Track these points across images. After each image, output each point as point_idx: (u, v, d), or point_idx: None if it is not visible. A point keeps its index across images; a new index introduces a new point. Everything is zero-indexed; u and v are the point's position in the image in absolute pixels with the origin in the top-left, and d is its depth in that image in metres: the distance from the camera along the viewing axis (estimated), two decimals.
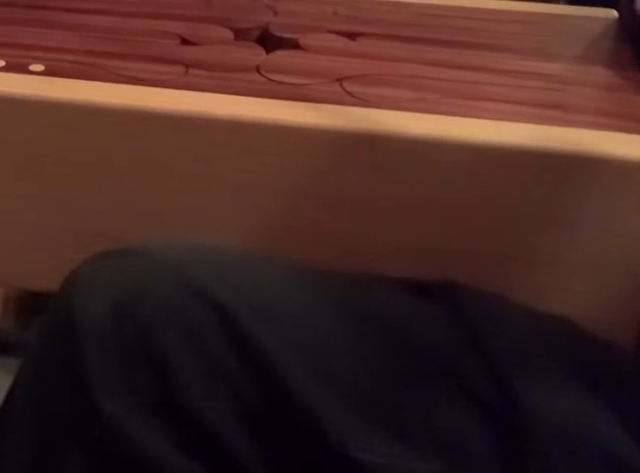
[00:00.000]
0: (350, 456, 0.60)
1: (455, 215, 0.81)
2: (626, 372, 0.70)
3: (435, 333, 0.67)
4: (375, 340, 0.65)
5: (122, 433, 0.60)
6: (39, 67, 0.86)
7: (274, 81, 0.87)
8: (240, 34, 0.96)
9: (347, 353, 0.64)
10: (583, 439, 0.63)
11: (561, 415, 0.64)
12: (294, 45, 0.95)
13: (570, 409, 0.64)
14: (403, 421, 0.63)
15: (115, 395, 0.60)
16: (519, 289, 0.74)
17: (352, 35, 0.98)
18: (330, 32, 0.99)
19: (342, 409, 0.61)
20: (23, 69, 0.86)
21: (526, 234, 0.81)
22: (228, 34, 0.96)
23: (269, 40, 0.96)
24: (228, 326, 0.62)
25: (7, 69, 0.86)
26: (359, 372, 0.64)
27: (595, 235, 0.80)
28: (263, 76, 0.88)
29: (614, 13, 1.06)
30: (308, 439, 0.61)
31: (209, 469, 0.61)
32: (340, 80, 0.88)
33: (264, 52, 0.93)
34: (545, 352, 0.68)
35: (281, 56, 0.93)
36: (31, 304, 1.38)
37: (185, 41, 0.94)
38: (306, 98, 0.84)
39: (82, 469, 0.60)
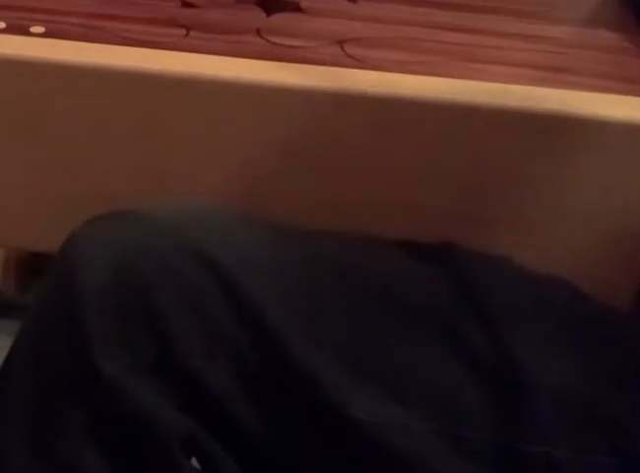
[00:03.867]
0: (346, 416, 0.61)
1: (454, 177, 0.81)
2: (625, 335, 0.70)
3: (431, 293, 0.67)
4: (372, 300, 0.66)
5: (122, 392, 0.60)
6: (40, 29, 0.86)
7: (274, 43, 0.87)
8: None
9: (343, 313, 0.65)
10: (580, 402, 0.64)
11: (558, 376, 0.64)
12: (295, 8, 0.95)
13: (568, 370, 0.65)
14: (398, 380, 0.63)
15: (115, 356, 0.61)
16: (517, 251, 0.74)
17: None
18: None
19: (339, 369, 0.62)
20: (23, 31, 0.86)
21: (525, 196, 0.82)
22: None
23: (269, 3, 0.95)
24: (227, 288, 0.62)
25: (7, 31, 0.86)
26: (356, 333, 0.64)
27: (595, 196, 0.81)
28: (263, 38, 0.87)
29: None
30: (306, 398, 0.62)
31: (208, 428, 0.62)
32: (340, 42, 0.87)
33: (264, 15, 0.92)
34: (543, 313, 0.68)
35: (281, 19, 0.92)
36: (31, 265, 1.38)
37: (186, 4, 0.94)
38: (307, 60, 0.84)
39: (82, 429, 0.61)
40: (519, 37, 0.91)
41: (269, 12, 0.93)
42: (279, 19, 0.92)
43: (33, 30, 0.86)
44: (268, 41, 0.87)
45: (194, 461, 0.63)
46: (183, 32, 0.88)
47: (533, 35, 0.92)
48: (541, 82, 0.82)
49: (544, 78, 0.83)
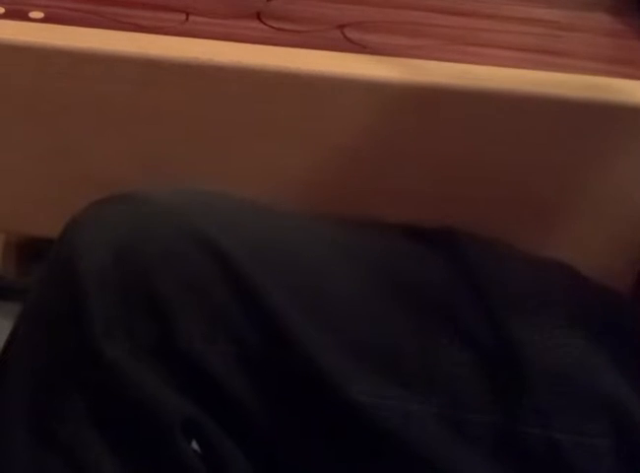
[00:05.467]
0: (347, 399, 0.61)
1: (457, 161, 0.81)
2: (625, 317, 0.70)
3: (432, 277, 0.68)
4: (372, 283, 0.66)
5: (123, 376, 0.61)
6: (39, 14, 0.86)
7: (274, 28, 0.86)
8: None
9: (344, 296, 0.65)
10: (581, 383, 0.64)
11: (558, 358, 0.64)
12: None
13: (568, 353, 0.65)
14: (399, 362, 0.63)
15: (116, 339, 0.61)
16: (519, 235, 0.74)
17: None
18: None
19: (339, 352, 0.62)
20: (22, 16, 0.85)
21: (526, 179, 0.82)
22: None
23: None
24: (228, 272, 0.63)
25: (6, 16, 0.85)
26: (356, 315, 0.64)
27: (596, 180, 0.81)
28: (263, 23, 0.87)
29: None
30: (307, 381, 0.62)
31: (208, 411, 0.62)
32: (340, 27, 0.87)
33: None
34: (543, 296, 0.68)
35: (281, 3, 0.92)
36: (32, 249, 1.38)
37: None
38: (307, 45, 0.83)
39: (83, 412, 0.61)
40: (515, 21, 0.91)
41: None
42: (279, 3, 0.92)
43: (32, 15, 0.86)
44: (268, 26, 0.87)
45: (194, 444, 0.64)
46: (183, 16, 0.87)
47: (529, 19, 0.92)
48: (537, 65, 0.82)
49: (542, 61, 0.83)
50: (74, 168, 0.86)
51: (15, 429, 0.62)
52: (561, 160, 0.81)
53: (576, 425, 0.63)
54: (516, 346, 0.64)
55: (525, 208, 0.84)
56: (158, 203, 0.66)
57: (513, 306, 0.66)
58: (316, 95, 0.80)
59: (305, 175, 0.83)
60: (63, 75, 0.82)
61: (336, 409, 0.62)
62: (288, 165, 0.83)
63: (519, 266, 0.71)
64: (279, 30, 0.86)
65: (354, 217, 0.72)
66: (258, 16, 0.88)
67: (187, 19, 0.87)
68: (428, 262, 0.69)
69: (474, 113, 0.80)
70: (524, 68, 0.82)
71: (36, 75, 0.82)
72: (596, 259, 0.82)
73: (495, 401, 0.63)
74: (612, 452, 0.63)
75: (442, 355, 0.64)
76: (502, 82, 0.79)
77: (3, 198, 0.89)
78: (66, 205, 0.65)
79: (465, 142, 0.81)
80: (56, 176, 0.86)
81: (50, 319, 0.63)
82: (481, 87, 0.79)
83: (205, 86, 0.81)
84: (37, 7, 0.87)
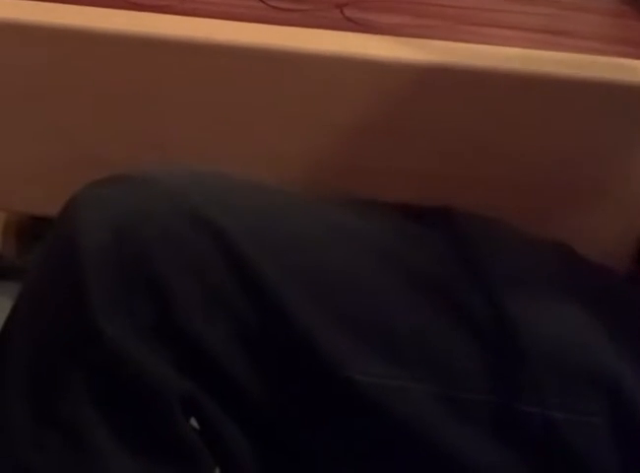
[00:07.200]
0: (344, 377, 0.62)
1: (457, 140, 0.81)
2: (622, 297, 0.71)
3: (429, 255, 0.68)
4: (370, 262, 0.66)
5: (122, 354, 0.61)
6: None
7: (273, 7, 0.86)
8: None
9: (342, 276, 0.65)
10: (577, 361, 0.65)
11: (556, 337, 0.65)
12: None
13: (565, 332, 0.65)
14: (397, 342, 0.64)
15: (116, 318, 0.61)
16: (517, 215, 0.74)
17: None
18: None
19: (337, 331, 0.62)
20: None
21: (527, 159, 0.82)
22: None
23: None
24: (227, 251, 0.63)
25: None
26: (354, 294, 0.65)
27: (595, 160, 0.81)
28: (263, 2, 0.87)
29: None
30: (305, 360, 0.62)
31: (207, 390, 0.63)
32: (340, 6, 0.87)
33: None
34: (541, 276, 0.69)
35: None
36: (32, 229, 1.38)
37: None
38: (306, 24, 0.83)
39: (83, 391, 0.62)
40: (521, 1, 0.91)
41: None
42: None
43: None
44: (267, 5, 0.86)
45: (193, 421, 0.64)
46: None
47: None
48: (539, 45, 0.82)
49: (542, 41, 0.83)
50: (73, 147, 0.86)
51: (15, 406, 0.62)
52: (564, 140, 0.81)
53: (572, 403, 0.64)
54: (513, 324, 0.64)
55: (525, 188, 0.83)
56: (157, 183, 0.66)
57: (510, 285, 0.66)
58: (316, 74, 0.80)
59: (305, 154, 0.83)
60: (61, 54, 0.82)
61: (334, 387, 0.62)
62: (287, 144, 0.83)
63: (516, 245, 0.71)
64: (278, 9, 0.86)
65: (353, 196, 0.72)
66: None
67: None
68: (426, 241, 0.69)
69: (476, 93, 0.80)
70: (527, 48, 0.82)
71: (35, 54, 0.82)
72: (593, 239, 0.82)
73: (492, 379, 0.63)
74: (607, 429, 0.64)
75: (439, 333, 0.64)
76: (506, 61, 0.79)
77: (3, 177, 0.89)
78: (66, 185, 0.65)
79: (468, 122, 0.81)
80: (56, 156, 0.86)
81: (50, 298, 0.63)
82: (484, 66, 0.79)
83: (204, 65, 0.80)
84: None
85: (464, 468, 0.64)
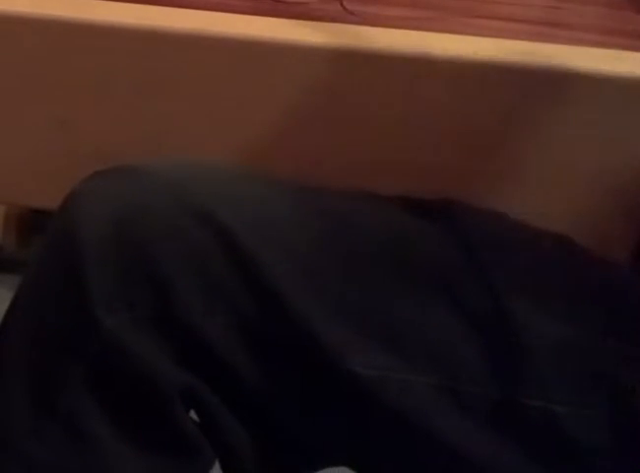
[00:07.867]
0: (344, 369, 0.62)
1: (452, 132, 0.81)
2: (624, 290, 0.71)
3: (430, 248, 0.68)
4: (371, 255, 0.66)
5: (121, 346, 0.61)
6: None
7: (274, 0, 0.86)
8: None
9: (343, 268, 0.65)
10: (579, 354, 0.65)
11: (557, 331, 0.65)
12: None
13: (567, 325, 0.65)
14: (398, 334, 0.64)
15: (115, 310, 0.61)
16: (518, 207, 0.74)
17: None
18: None
19: (337, 323, 0.62)
20: None
21: (525, 151, 0.82)
22: None
23: None
24: (227, 244, 0.63)
25: None
26: (355, 287, 0.65)
27: (594, 151, 0.81)
28: None
29: None
30: (305, 352, 0.62)
31: (206, 381, 0.63)
32: None
33: None
34: (542, 269, 0.69)
35: None
36: (32, 221, 1.38)
37: None
38: (307, 16, 0.83)
39: (82, 382, 0.62)
40: None
41: None
42: None
43: None
44: None
45: (193, 413, 0.64)
46: None
47: None
48: (537, 37, 0.82)
49: (540, 33, 0.83)
50: (74, 140, 0.86)
51: (15, 397, 0.63)
52: (557, 130, 0.81)
53: (574, 397, 0.64)
54: (514, 319, 0.64)
55: (518, 179, 0.84)
56: (157, 176, 0.66)
57: (511, 278, 0.66)
58: (315, 66, 0.80)
59: (302, 146, 0.84)
60: (64, 47, 0.82)
61: (334, 380, 0.62)
62: (288, 137, 0.83)
63: (517, 238, 0.71)
64: (279, 1, 0.86)
65: (353, 188, 0.72)
66: None
67: None
68: (426, 234, 0.69)
69: (476, 85, 0.80)
70: (522, 39, 0.82)
71: (37, 47, 0.82)
72: (594, 231, 0.82)
73: (494, 372, 0.63)
74: (608, 423, 0.64)
75: (440, 326, 0.64)
76: (505, 54, 0.79)
77: (4, 170, 0.89)
78: (67, 177, 0.65)
79: (466, 114, 0.81)
80: (56, 149, 0.86)
81: (50, 290, 0.63)
82: (477, 58, 0.79)
83: (205, 58, 0.80)
84: None
85: (465, 460, 0.64)
